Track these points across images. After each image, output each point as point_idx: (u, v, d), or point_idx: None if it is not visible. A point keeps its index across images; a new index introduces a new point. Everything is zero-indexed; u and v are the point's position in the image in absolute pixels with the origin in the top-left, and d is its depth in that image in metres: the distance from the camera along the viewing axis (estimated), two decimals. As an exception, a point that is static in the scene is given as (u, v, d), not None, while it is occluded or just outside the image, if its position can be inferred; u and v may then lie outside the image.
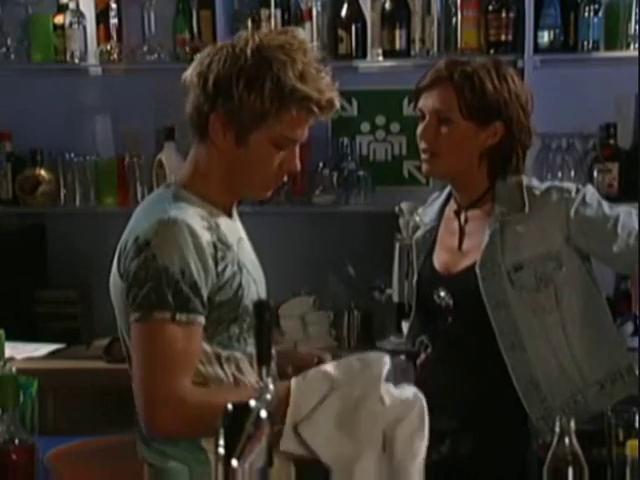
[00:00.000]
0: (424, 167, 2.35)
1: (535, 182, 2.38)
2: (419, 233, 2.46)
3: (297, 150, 1.92)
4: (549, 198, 2.30)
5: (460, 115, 2.26)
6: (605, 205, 2.30)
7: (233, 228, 1.96)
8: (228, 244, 1.89)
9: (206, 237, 1.84)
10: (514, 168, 2.33)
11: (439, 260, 2.38)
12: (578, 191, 2.30)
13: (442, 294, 2.33)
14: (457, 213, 2.38)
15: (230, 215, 1.97)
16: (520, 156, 2.34)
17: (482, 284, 2.26)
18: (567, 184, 2.38)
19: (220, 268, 1.85)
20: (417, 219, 2.48)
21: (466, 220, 2.36)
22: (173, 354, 1.79)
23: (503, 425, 2.29)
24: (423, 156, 2.32)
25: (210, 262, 1.83)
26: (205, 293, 1.83)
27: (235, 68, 1.84)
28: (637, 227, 2.25)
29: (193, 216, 1.85)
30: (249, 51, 1.85)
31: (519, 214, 2.28)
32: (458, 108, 2.26)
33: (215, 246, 1.85)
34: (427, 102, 2.30)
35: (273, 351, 1.91)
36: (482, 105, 2.25)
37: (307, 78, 1.85)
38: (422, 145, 2.32)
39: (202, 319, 1.83)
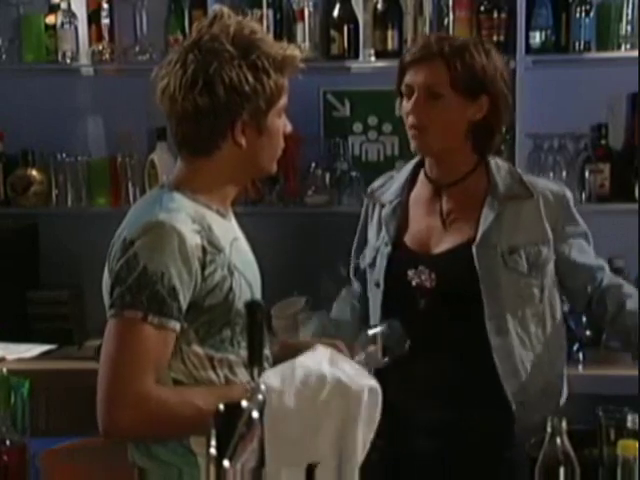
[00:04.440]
0: (413, 144, 2.34)
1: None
2: (386, 210, 2.45)
3: None
4: (550, 188, 2.38)
5: (451, 89, 2.28)
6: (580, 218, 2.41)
7: (227, 229, 1.95)
8: (219, 247, 1.87)
9: (195, 240, 1.83)
10: (496, 147, 2.39)
11: (415, 239, 2.38)
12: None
13: (419, 274, 2.32)
14: (437, 191, 2.38)
15: (224, 216, 1.96)
16: (502, 134, 2.39)
17: (478, 263, 2.27)
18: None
19: (208, 272, 1.84)
20: (377, 203, 2.48)
21: (448, 199, 2.37)
22: (139, 353, 1.77)
23: (486, 410, 2.30)
24: (411, 132, 2.33)
25: (196, 266, 1.82)
26: (186, 298, 1.82)
27: (233, 73, 1.83)
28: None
29: (184, 219, 1.84)
30: (228, 47, 1.85)
31: (520, 199, 2.32)
32: (449, 82, 2.27)
33: (204, 250, 1.84)
34: (416, 77, 2.30)
35: (266, 351, 1.91)
36: (472, 78, 2.28)
37: (280, 44, 1.90)
38: (410, 120, 2.32)
39: (175, 324, 1.81)
